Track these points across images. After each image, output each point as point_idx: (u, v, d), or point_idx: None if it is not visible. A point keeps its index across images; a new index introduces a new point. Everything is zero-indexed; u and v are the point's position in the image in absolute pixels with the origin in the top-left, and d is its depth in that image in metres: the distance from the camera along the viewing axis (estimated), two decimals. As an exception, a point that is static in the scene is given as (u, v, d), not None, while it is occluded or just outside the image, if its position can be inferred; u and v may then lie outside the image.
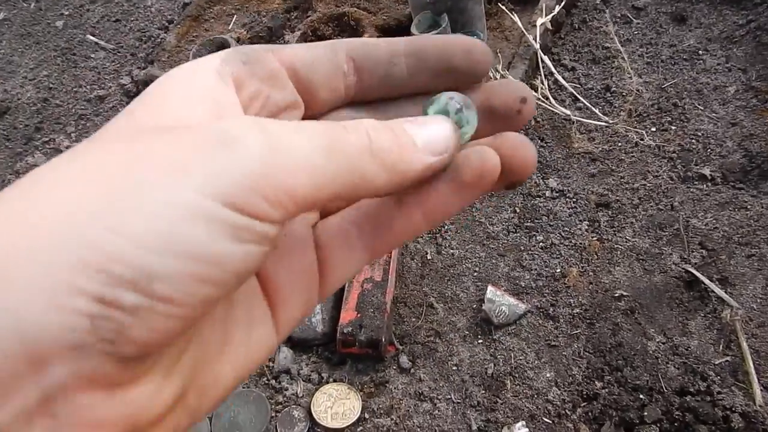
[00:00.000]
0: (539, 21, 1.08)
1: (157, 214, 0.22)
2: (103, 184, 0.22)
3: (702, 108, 1.07)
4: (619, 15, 1.23)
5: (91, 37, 1.63)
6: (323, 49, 0.32)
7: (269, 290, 0.31)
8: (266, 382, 0.92)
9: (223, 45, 0.99)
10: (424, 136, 0.29)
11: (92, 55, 1.60)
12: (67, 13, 1.69)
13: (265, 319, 0.31)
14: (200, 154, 0.23)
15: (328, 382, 0.90)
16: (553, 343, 0.88)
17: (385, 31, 1.21)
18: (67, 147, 1.38)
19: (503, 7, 1.12)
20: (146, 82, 1.28)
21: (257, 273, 0.31)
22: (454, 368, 0.88)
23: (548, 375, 0.86)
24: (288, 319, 0.31)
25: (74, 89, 1.52)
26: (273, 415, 0.89)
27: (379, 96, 0.34)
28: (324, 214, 0.33)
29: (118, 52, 1.58)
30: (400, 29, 1.19)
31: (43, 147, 1.39)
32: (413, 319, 0.94)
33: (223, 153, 0.23)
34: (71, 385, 0.21)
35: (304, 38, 1.30)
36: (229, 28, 1.44)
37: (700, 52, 1.14)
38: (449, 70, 0.31)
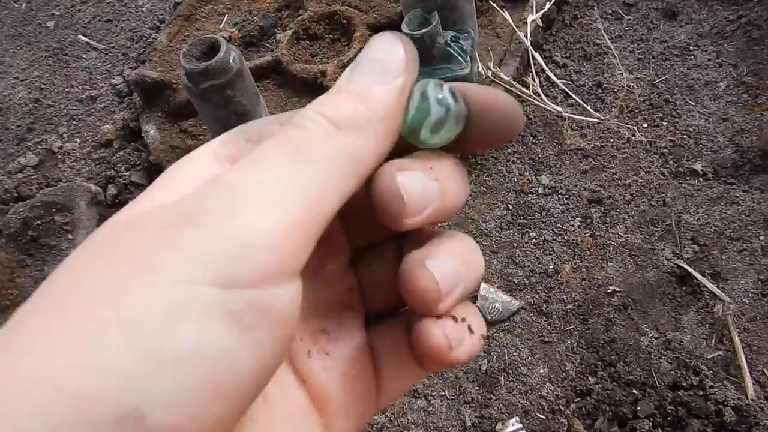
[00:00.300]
0: (530, 18, 1.08)
1: (134, 330, 0.18)
2: (78, 315, 0.19)
3: (693, 103, 1.07)
4: (610, 11, 1.23)
5: (83, 38, 1.62)
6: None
7: (320, 401, 0.27)
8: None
9: (213, 45, 0.99)
10: (371, 68, 0.25)
11: (84, 56, 1.59)
12: (58, 13, 1.69)
13: None
14: (167, 244, 0.20)
15: (321, 381, 0.90)
16: (546, 339, 0.88)
17: (377, 30, 1.21)
18: (59, 147, 1.37)
19: (494, 4, 1.12)
20: (137, 83, 1.28)
21: (307, 384, 0.27)
22: (448, 365, 0.88)
23: (542, 371, 0.86)
24: (343, 429, 0.27)
25: (66, 89, 1.52)
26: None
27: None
28: (373, 310, 0.30)
29: (110, 52, 1.58)
30: (392, 28, 1.19)
31: (35, 147, 1.39)
32: (407, 317, 0.94)
33: (191, 232, 0.20)
34: None
35: (295, 37, 1.30)
36: (221, 27, 1.43)
37: (691, 47, 1.14)
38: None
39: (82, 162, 1.35)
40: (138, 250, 0.20)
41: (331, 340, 0.27)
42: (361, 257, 0.30)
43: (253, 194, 0.20)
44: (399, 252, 0.29)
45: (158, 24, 1.56)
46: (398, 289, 0.26)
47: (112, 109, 1.43)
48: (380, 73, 0.25)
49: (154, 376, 0.17)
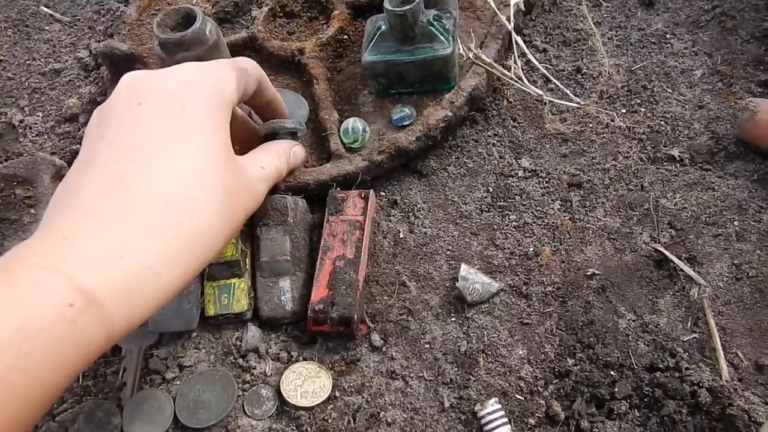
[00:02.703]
0: (512, 1, 1.07)
1: (250, 174, 0.76)
2: (227, 156, 0.65)
3: (670, 91, 1.08)
4: (589, -2, 1.23)
5: (45, 9, 1.56)
6: (255, 83, 0.77)
7: None
8: (233, 361, 0.90)
9: (188, 15, 0.95)
10: (285, 153, 0.87)
11: (46, 28, 1.52)
12: (19, -18, 1.61)
13: None
14: (256, 156, 0.83)
15: (297, 361, 0.88)
16: (525, 321, 0.88)
17: (356, 8, 1.19)
18: (20, 121, 1.31)
19: (476, -14, 1.11)
20: (105, 54, 1.23)
21: None
22: (427, 346, 0.87)
23: (521, 352, 0.85)
24: None
25: (27, 62, 1.45)
26: (240, 394, 0.87)
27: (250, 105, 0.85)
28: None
29: (75, 25, 1.51)
30: (372, 6, 1.17)
31: (-6, 121, 1.33)
32: (385, 298, 0.92)
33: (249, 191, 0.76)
34: None
35: (272, 14, 1.27)
36: (194, 2, 1.39)
37: (668, 35, 1.15)
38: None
39: (45, 136, 1.30)
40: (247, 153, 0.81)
41: None
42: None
43: (262, 185, 0.83)
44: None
45: (127, -3, 1.51)
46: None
47: (78, 83, 1.37)
48: (285, 157, 0.88)
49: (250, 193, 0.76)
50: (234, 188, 0.63)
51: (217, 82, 0.64)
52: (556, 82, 1.07)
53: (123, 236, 0.48)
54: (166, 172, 0.54)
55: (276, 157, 0.80)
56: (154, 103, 0.58)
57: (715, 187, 0.96)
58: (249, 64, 0.74)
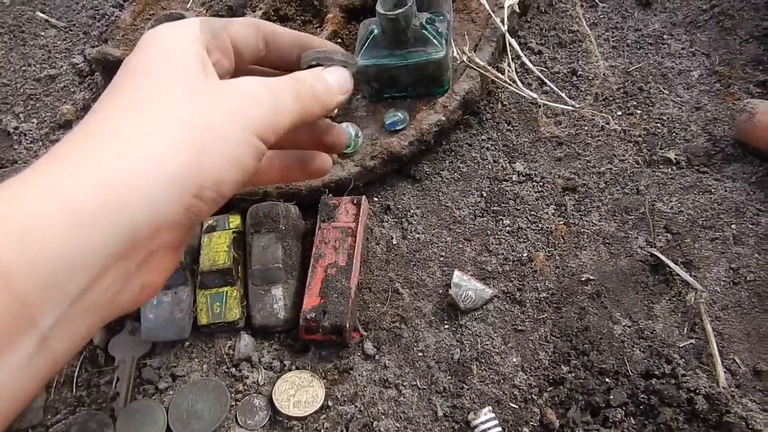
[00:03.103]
0: (507, 3, 1.06)
1: (225, 148, 0.42)
2: (196, 131, 0.41)
3: (667, 92, 1.07)
4: (585, -2, 1.22)
5: (41, 14, 1.56)
6: (254, 31, 0.54)
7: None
8: (226, 370, 0.89)
9: (179, 20, 0.94)
10: (337, 81, 0.54)
11: (42, 33, 1.52)
12: (15, -12, 1.62)
13: None
14: (246, 103, 0.45)
15: (290, 370, 0.88)
16: (519, 328, 0.87)
17: (349, 11, 1.18)
18: (15, 128, 1.31)
19: (470, -12, 1.10)
20: (99, 60, 1.22)
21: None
22: (420, 354, 0.86)
23: (515, 360, 0.84)
24: None
25: (23, 68, 1.45)
26: (233, 404, 0.86)
27: (277, 65, 0.58)
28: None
29: (70, 30, 1.51)
30: (365, 9, 1.16)
31: (-11, 128, 1.33)
32: (378, 305, 0.91)
33: (256, 104, 0.45)
34: (165, 246, 0.42)
35: (265, 17, 1.26)
36: (188, 6, 1.38)
37: (665, 36, 1.14)
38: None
39: (40, 143, 1.30)
40: (229, 101, 0.45)
41: None
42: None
43: (278, 104, 0.48)
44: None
45: (121, 2, 1.50)
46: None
47: (72, 89, 1.37)
48: (339, 86, 0.55)
49: (231, 171, 0.44)
50: (202, 126, 0.41)
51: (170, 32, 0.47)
52: (551, 85, 1.06)
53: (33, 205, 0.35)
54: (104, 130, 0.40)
55: (295, 81, 0.50)
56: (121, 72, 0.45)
57: (712, 190, 0.95)
58: (237, 21, 0.53)
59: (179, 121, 0.40)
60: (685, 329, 0.84)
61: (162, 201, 0.38)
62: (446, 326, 0.88)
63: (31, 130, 1.32)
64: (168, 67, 0.43)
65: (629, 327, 0.85)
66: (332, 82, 0.53)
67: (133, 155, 0.37)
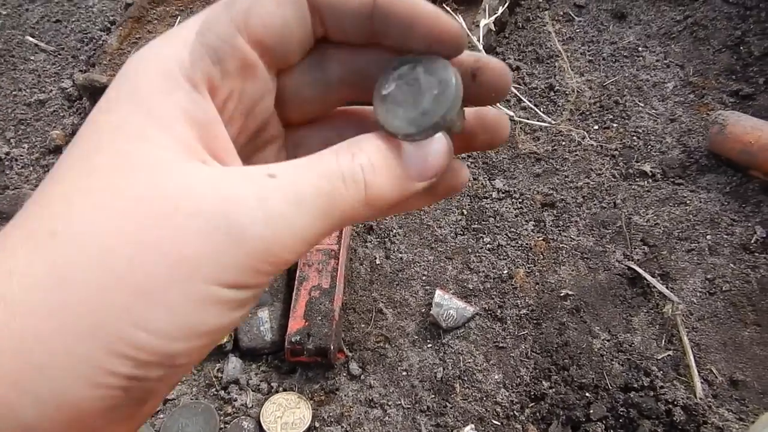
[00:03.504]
0: (483, 22, 1.08)
1: (177, 308, 0.25)
2: (125, 279, 0.24)
3: (642, 105, 1.09)
4: (561, 13, 1.24)
5: (31, 39, 1.57)
6: (292, 11, 0.30)
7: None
8: (215, 393, 0.91)
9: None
10: (421, 166, 0.30)
11: (32, 57, 1.54)
12: (4, 13, 1.63)
13: None
14: (210, 247, 0.25)
15: (277, 392, 0.89)
16: (501, 345, 0.89)
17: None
18: (6, 153, 1.33)
19: (447, 8, 1.12)
20: (86, 87, 1.24)
21: None
22: (404, 373, 0.88)
23: (497, 377, 0.86)
24: None
25: (13, 93, 1.47)
26: (222, 426, 0.88)
27: (350, 40, 0.32)
28: (290, 123, 0.35)
29: (59, 54, 1.53)
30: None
31: (-20, 154, 1.35)
32: (363, 325, 0.93)
33: (228, 243, 0.25)
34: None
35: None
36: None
37: (640, 48, 1.16)
38: (416, 39, 0.30)
39: (31, 168, 1.31)
40: (184, 242, 0.25)
41: None
42: (295, 142, 0.36)
43: (284, 236, 0.26)
44: (331, 136, 0.34)
45: (109, 25, 1.52)
46: (322, 111, 0.34)
47: (62, 114, 1.39)
48: (422, 171, 0.30)
49: (186, 342, 0.25)
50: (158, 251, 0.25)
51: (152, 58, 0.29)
52: (528, 102, 1.08)
53: None
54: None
55: (329, 183, 0.28)
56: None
57: (687, 202, 0.97)
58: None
59: (110, 243, 0.24)
60: (663, 341, 0.86)
61: (65, 381, 0.24)
62: (429, 345, 0.90)
63: (22, 156, 1.34)
64: (129, 139, 0.26)
65: (608, 341, 0.87)
66: (412, 169, 0.30)
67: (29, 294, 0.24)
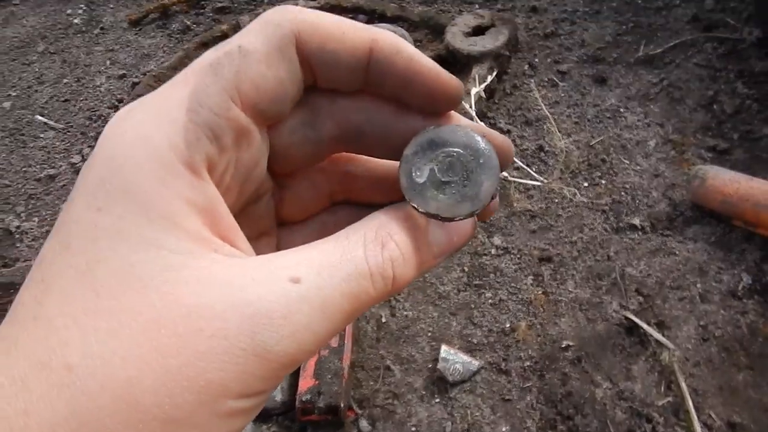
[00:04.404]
0: (473, 90, 1.16)
1: (203, 427, 0.23)
2: (151, 411, 0.23)
3: (628, 162, 1.15)
4: (546, 79, 1.32)
5: (40, 118, 1.64)
6: (285, 70, 0.28)
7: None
8: (230, 457, 0.92)
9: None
10: (447, 245, 0.29)
11: (41, 135, 1.60)
12: (14, 94, 1.71)
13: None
14: (235, 369, 0.23)
15: (291, 453, 0.91)
16: (507, 398, 0.92)
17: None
18: (17, 227, 1.37)
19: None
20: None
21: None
22: (414, 429, 0.91)
23: (504, 429, 0.89)
24: None
25: (23, 169, 1.52)
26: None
27: (342, 89, 0.30)
28: (285, 221, 0.34)
29: (68, 132, 1.59)
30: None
31: (-8, 229, 1.39)
32: (371, 383, 0.96)
33: (255, 362, 0.24)
34: None
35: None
36: (178, 105, 1.47)
37: (622, 109, 1.24)
38: (413, 94, 0.29)
39: (41, 241, 1.35)
40: (210, 364, 0.23)
41: None
42: (282, 185, 0.33)
43: (307, 345, 0.25)
44: (320, 180, 0.33)
45: (116, 104, 1.60)
46: (314, 204, 0.33)
47: (71, 188, 1.44)
48: (444, 251, 0.29)
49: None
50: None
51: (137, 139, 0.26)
52: (520, 163, 1.14)
53: None
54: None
55: (355, 271, 0.26)
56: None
57: (677, 252, 1.02)
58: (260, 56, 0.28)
59: (132, 375, 0.23)
60: (662, 387, 0.89)
61: None
62: (437, 400, 0.93)
63: (32, 229, 1.38)
64: (133, 247, 0.24)
65: (610, 389, 0.90)
66: (436, 249, 0.29)
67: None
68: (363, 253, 0.26)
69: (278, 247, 0.33)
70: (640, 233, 1.06)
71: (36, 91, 1.70)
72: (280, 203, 0.33)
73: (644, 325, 0.94)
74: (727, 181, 1.01)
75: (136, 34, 1.78)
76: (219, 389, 0.23)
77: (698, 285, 0.98)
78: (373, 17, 1.46)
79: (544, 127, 1.24)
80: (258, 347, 0.23)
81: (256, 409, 0.25)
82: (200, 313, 0.23)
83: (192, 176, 0.25)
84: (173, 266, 0.23)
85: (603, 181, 1.13)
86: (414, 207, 0.27)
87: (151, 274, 0.23)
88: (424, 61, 0.28)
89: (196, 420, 0.23)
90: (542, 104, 1.20)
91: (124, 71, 1.67)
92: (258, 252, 0.28)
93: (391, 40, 0.28)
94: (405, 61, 0.28)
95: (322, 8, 1.56)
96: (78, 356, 0.22)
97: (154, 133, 0.25)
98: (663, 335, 0.93)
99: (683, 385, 0.88)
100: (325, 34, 0.28)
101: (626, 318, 0.96)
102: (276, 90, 0.27)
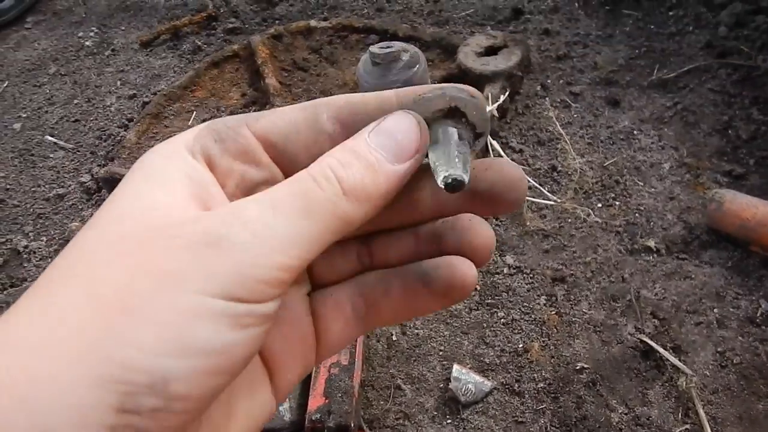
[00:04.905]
0: (486, 109, 1.15)
1: (164, 321, 0.24)
2: (109, 300, 0.24)
3: (642, 184, 1.14)
4: (558, 100, 1.32)
5: (50, 138, 1.64)
6: (303, 114, 0.32)
7: (267, 358, 0.33)
8: (234, 477, 0.90)
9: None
10: (389, 145, 0.30)
11: (51, 155, 1.60)
12: (24, 115, 1.71)
13: (264, 386, 0.32)
14: (192, 259, 0.25)
15: (297, 474, 0.89)
16: (520, 420, 0.89)
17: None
18: (25, 247, 1.36)
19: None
20: (106, 180, 1.30)
21: None
22: (425, 451, 0.88)
23: (517, 452, 0.86)
24: (286, 383, 0.33)
25: (32, 189, 1.52)
26: None
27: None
28: (317, 282, 0.35)
29: (78, 151, 1.59)
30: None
31: (-1, 248, 1.37)
32: (381, 402, 0.94)
33: (212, 253, 0.25)
34: None
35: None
36: (189, 123, 1.48)
37: (635, 132, 1.23)
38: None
39: (49, 260, 1.34)
40: (167, 258, 0.25)
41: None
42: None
43: (265, 238, 0.26)
44: (357, 244, 0.36)
45: (126, 123, 1.59)
46: (344, 266, 0.35)
47: (80, 207, 1.44)
48: (395, 152, 0.30)
49: (178, 359, 0.23)
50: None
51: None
52: (533, 182, 1.13)
53: None
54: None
55: (300, 185, 0.29)
56: None
57: (693, 276, 1.00)
58: (277, 110, 0.33)
59: (100, 273, 0.25)
60: (680, 414, 0.87)
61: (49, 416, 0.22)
62: (449, 421, 0.90)
63: (40, 248, 1.37)
64: (128, 197, 0.29)
65: (626, 414, 0.88)
66: (383, 152, 0.30)
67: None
68: (305, 170, 0.29)
69: (311, 302, 0.35)
70: (655, 255, 1.04)
71: (46, 112, 1.70)
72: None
73: (661, 350, 0.92)
74: (745, 206, 0.99)
75: (147, 55, 1.79)
76: (177, 280, 0.25)
77: (715, 310, 0.96)
78: (385, 37, 1.47)
79: (557, 147, 1.23)
80: (211, 237, 0.26)
81: (232, 330, 0.25)
82: (165, 224, 0.27)
83: (189, 157, 0.30)
84: (156, 206, 0.27)
85: (617, 202, 1.12)
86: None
87: (133, 211, 0.27)
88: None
89: (156, 312, 0.24)
90: (556, 123, 1.20)
91: (135, 91, 1.68)
92: (289, 298, 0.33)
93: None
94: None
95: (333, 28, 1.58)
96: (59, 271, 0.26)
97: (176, 137, 0.31)
98: (680, 360, 0.91)
99: (701, 412, 0.86)
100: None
101: (642, 341, 0.94)
102: (288, 128, 0.32)
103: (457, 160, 0.30)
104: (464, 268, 0.32)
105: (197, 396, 0.24)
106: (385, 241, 0.36)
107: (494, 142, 1.13)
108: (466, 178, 0.29)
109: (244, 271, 0.25)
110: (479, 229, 0.33)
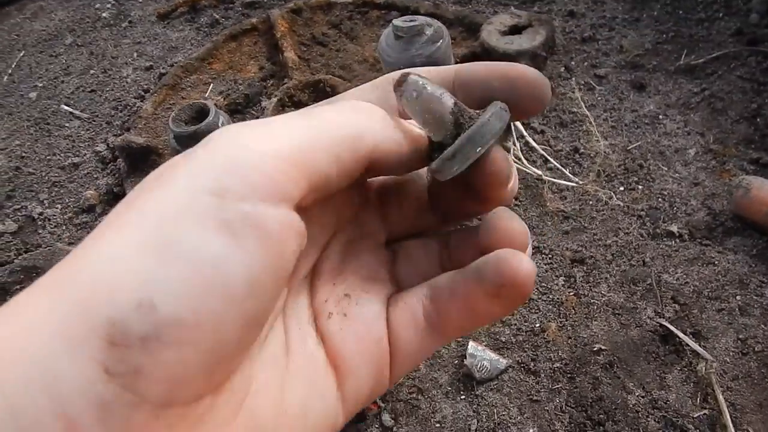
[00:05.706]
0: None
1: (145, 224, 0.21)
2: (108, 221, 0.22)
3: (666, 169, 1.12)
4: (582, 82, 1.29)
5: (66, 107, 1.64)
6: (375, 94, 0.31)
7: (334, 354, 0.29)
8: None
9: (202, 109, 1.01)
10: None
11: (66, 125, 1.60)
12: (41, 84, 1.71)
13: (329, 392, 0.28)
14: (182, 159, 0.23)
15: (308, 445, 0.88)
16: (535, 398, 0.88)
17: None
18: (40, 214, 1.36)
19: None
20: (123, 148, 1.29)
21: (325, 342, 0.28)
22: (437, 425, 0.87)
23: (531, 431, 0.85)
24: (354, 392, 0.29)
25: (48, 157, 1.52)
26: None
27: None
28: (402, 286, 0.32)
29: (93, 121, 1.59)
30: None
31: (14, 214, 1.37)
32: (394, 378, 0.93)
33: (201, 152, 0.23)
34: None
35: (280, 104, 1.34)
36: (206, 95, 1.47)
37: (660, 117, 1.20)
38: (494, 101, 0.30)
39: (63, 227, 1.34)
40: (165, 167, 0.23)
41: (352, 303, 0.30)
42: (399, 244, 0.34)
43: (256, 126, 0.24)
44: (439, 245, 0.33)
45: (143, 94, 1.59)
46: (429, 269, 0.32)
47: (95, 176, 1.43)
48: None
49: (163, 271, 0.20)
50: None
51: None
52: (555, 163, 1.11)
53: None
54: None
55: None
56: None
57: (716, 262, 0.98)
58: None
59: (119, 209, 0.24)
60: (698, 399, 0.85)
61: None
62: (463, 397, 0.89)
63: (54, 215, 1.36)
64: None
65: (643, 397, 0.86)
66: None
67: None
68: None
69: (388, 302, 0.31)
70: (677, 240, 1.02)
71: (62, 82, 1.70)
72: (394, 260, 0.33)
73: (680, 334, 0.90)
74: (772, 191, 0.97)
75: (164, 27, 1.78)
76: (165, 178, 0.23)
77: (738, 297, 0.94)
78: (406, 14, 1.45)
79: (580, 129, 1.21)
80: (231, 140, 0.23)
81: (247, 241, 0.21)
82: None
83: None
84: None
85: (640, 186, 1.10)
86: None
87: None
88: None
89: (141, 213, 0.22)
90: (582, 104, 1.17)
91: (151, 63, 1.67)
92: (367, 298, 0.31)
93: None
94: None
95: (354, 3, 1.56)
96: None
97: None
98: (700, 345, 0.89)
99: (721, 398, 0.84)
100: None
101: (661, 325, 0.92)
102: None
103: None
104: (514, 261, 0.27)
105: (190, 320, 0.20)
106: (460, 236, 0.33)
107: (517, 123, 1.11)
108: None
109: (231, 156, 0.22)
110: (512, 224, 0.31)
